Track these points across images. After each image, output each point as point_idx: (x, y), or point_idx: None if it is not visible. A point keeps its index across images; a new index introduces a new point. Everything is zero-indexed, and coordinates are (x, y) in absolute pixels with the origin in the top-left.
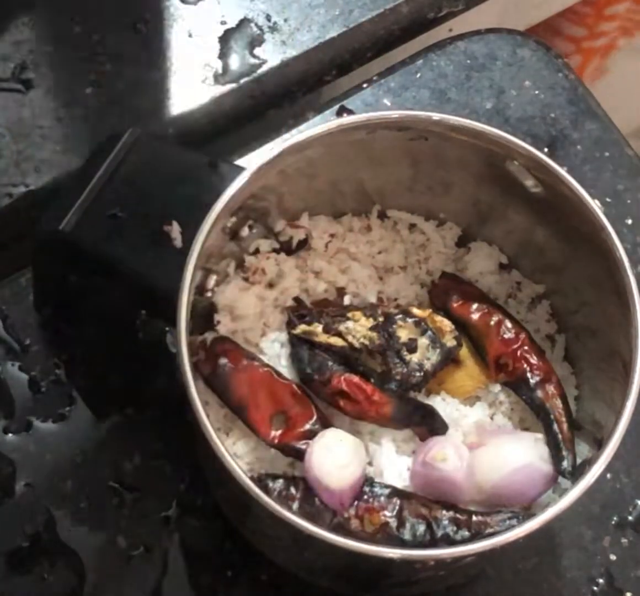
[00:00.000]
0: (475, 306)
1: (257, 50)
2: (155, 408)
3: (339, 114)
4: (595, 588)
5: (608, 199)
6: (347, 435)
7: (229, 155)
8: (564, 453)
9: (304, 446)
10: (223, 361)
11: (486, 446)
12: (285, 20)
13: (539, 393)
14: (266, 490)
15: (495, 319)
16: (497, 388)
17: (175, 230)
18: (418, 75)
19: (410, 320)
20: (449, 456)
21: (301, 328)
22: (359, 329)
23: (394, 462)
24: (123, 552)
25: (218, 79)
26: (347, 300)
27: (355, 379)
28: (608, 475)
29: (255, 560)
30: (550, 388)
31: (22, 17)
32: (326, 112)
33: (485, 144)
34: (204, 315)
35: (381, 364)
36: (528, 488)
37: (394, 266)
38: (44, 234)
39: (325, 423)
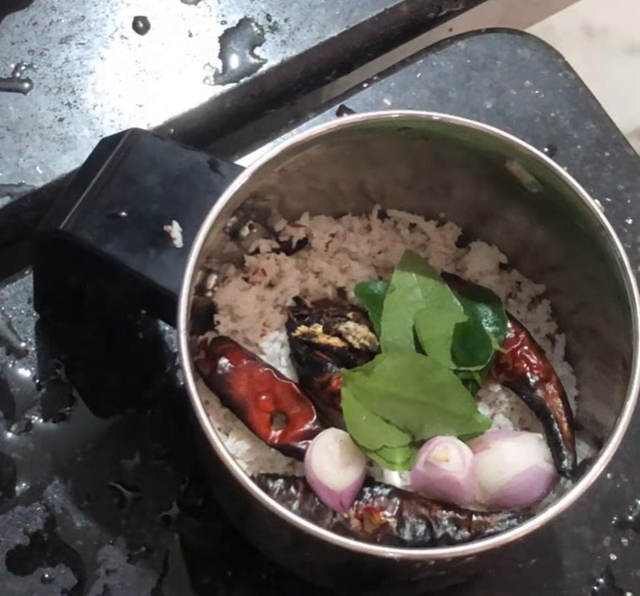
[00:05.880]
0: None
1: (257, 50)
2: (155, 408)
3: (339, 114)
4: (595, 588)
5: (608, 199)
6: (347, 435)
7: (229, 155)
8: (565, 452)
9: (303, 446)
10: (223, 361)
11: (489, 449)
12: (286, 20)
13: (539, 393)
14: (266, 490)
15: None
16: (497, 388)
17: (175, 230)
18: (418, 75)
19: None
20: (451, 456)
21: (300, 329)
22: (359, 329)
23: None
24: (123, 552)
25: (218, 78)
26: (347, 300)
27: None
28: (608, 475)
29: (255, 560)
30: (550, 388)
31: (22, 17)
32: (326, 112)
33: (485, 144)
34: (204, 315)
35: None
36: (533, 489)
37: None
38: (44, 234)
39: (325, 423)
